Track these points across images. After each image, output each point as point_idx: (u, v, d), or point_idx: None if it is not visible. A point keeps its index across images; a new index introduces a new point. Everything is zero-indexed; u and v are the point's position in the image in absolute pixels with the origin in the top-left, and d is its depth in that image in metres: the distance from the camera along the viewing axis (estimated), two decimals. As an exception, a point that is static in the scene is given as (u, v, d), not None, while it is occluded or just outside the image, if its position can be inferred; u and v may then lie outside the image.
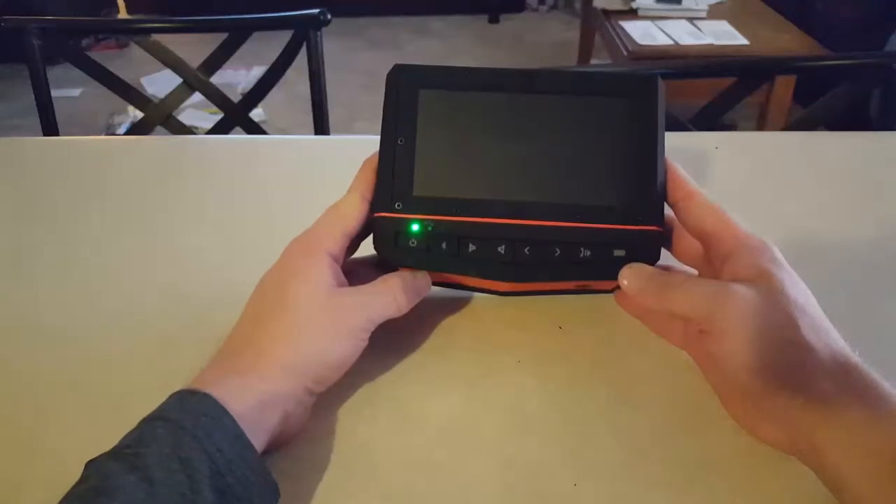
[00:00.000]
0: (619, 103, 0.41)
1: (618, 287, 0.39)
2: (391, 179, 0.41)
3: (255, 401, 0.33)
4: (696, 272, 0.40)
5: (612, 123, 0.40)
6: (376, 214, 0.40)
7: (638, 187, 0.40)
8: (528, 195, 0.40)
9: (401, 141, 0.41)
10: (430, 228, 0.40)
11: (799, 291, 0.35)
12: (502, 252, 0.40)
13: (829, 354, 0.33)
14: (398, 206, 0.40)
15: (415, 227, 0.40)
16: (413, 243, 0.40)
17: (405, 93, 0.41)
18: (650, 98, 0.40)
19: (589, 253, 0.40)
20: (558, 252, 0.40)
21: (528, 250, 0.40)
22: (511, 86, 0.41)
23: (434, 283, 0.42)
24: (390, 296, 0.39)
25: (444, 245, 0.40)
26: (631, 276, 0.38)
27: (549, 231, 0.40)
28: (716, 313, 0.34)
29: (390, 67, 0.42)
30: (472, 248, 0.40)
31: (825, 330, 0.34)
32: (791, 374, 0.33)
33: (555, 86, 0.41)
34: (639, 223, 0.39)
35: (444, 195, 0.40)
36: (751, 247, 0.36)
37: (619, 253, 0.39)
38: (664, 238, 0.40)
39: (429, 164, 0.41)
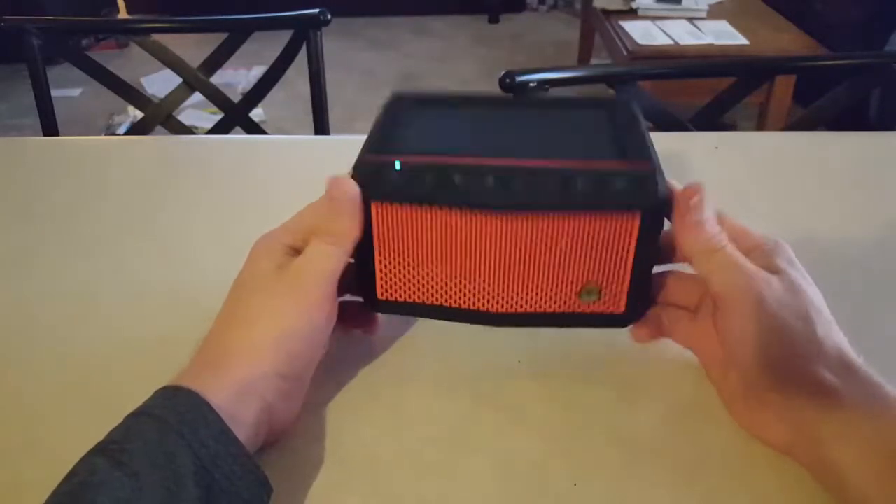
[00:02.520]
0: (597, 113, 0.42)
1: (627, 316, 0.39)
2: (376, 136, 0.40)
3: (230, 391, 0.33)
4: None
5: (594, 121, 0.41)
6: (358, 160, 0.39)
7: (630, 150, 0.38)
8: (519, 149, 0.39)
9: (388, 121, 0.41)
10: (413, 165, 0.38)
11: (814, 292, 0.35)
12: (491, 183, 0.37)
13: (836, 353, 0.33)
14: (380, 150, 0.39)
15: (397, 165, 0.37)
16: (395, 176, 0.37)
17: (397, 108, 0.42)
18: (628, 109, 0.42)
19: (588, 183, 0.36)
20: (552, 182, 0.36)
21: (520, 182, 0.36)
22: (495, 105, 0.43)
23: (423, 315, 0.40)
24: (318, 239, 0.37)
25: (427, 176, 0.37)
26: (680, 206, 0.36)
27: (541, 167, 0.37)
28: (739, 291, 0.34)
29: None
30: (458, 179, 0.37)
31: (835, 330, 0.34)
32: (800, 368, 0.33)
33: (531, 104, 0.43)
34: (636, 163, 0.37)
35: (429, 145, 0.39)
36: (766, 247, 0.36)
37: (619, 184, 0.36)
38: (662, 181, 0.37)
39: (414, 134, 0.40)
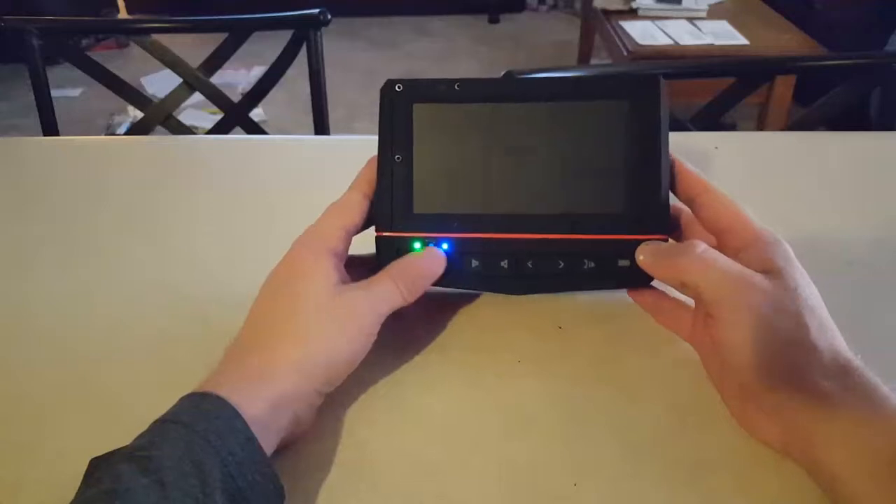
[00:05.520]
0: (619, 106, 0.40)
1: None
2: (390, 198, 0.41)
3: (267, 403, 0.33)
4: (713, 239, 0.40)
5: (614, 127, 0.40)
6: (377, 234, 0.41)
7: (642, 194, 0.40)
8: (530, 207, 0.41)
9: (398, 158, 0.41)
10: (430, 246, 0.41)
11: (810, 292, 0.35)
12: (505, 266, 0.41)
13: (831, 355, 0.33)
14: (399, 224, 0.41)
15: (416, 246, 0.41)
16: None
17: (399, 107, 0.41)
18: (652, 99, 0.40)
19: (593, 264, 0.40)
20: (562, 265, 0.40)
21: (532, 264, 0.40)
22: (507, 95, 0.41)
23: (442, 285, 0.41)
24: (393, 285, 0.39)
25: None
26: (647, 253, 0.39)
27: (552, 244, 0.40)
28: (729, 299, 0.34)
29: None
30: (475, 263, 0.41)
31: (831, 331, 0.34)
32: (793, 373, 0.33)
33: (552, 91, 0.41)
34: (643, 232, 0.39)
35: (443, 211, 0.41)
36: (764, 242, 0.36)
37: (623, 263, 0.40)
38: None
39: (427, 180, 0.41)
